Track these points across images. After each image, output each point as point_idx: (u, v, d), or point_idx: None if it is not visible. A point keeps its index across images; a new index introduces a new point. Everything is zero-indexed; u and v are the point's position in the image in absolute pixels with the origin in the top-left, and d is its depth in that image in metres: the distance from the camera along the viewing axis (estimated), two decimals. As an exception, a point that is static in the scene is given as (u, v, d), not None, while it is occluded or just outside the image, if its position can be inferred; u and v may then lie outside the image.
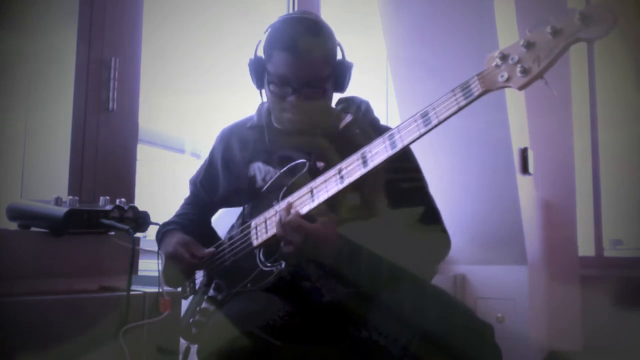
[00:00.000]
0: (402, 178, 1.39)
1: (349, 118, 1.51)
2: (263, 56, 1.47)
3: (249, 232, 1.41)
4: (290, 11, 2.68)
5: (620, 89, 4.20)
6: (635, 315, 3.60)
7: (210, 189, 1.63)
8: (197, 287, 1.51)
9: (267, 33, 1.47)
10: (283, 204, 1.33)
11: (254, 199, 1.47)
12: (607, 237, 4.08)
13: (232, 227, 1.53)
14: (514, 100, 2.97)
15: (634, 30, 3.96)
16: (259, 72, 1.47)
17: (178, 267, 1.46)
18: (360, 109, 1.52)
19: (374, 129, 1.47)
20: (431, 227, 1.43)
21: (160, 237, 1.55)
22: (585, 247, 3.91)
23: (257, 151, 1.52)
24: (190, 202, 1.68)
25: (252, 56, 1.49)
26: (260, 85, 1.50)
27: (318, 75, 1.41)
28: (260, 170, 1.50)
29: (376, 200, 1.34)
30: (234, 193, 1.53)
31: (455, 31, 2.83)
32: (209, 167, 1.65)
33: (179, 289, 1.54)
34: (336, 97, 1.60)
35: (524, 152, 3.08)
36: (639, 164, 4.11)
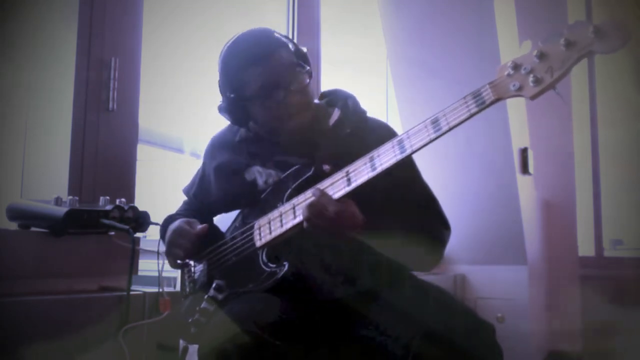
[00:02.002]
0: (394, 165, 1.37)
1: (337, 113, 1.50)
2: (231, 94, 1.46)
3: (252, 233, 1.41)
4: (289, 11, 2.69)
5: (621, 88, 4.20)
6: (636, 315, 3.60)
7: (203, 201, 1.61)
8: (196, 286, 1.51)
9: (221, 71, 1.47)
10: (301, 198, 1.32)
11: (255, 202, 1.46)
12: (607, 237, 4.08)
13: (228, 229, 1.52)
14: (514, 101, 2.97)
15: (634, 31, 3.96)
16: (239, 107, 1.46)
17: (181, 241, 1.44)
18: (347, 105, 1.51)
19: (364, 125, 1.47)
20: (428, 211, 1.44)
21: (164, 223, 1.55)
22: (585, 247, 3.91)
23: (253, 156, 1.51)
24: (187, 209, 1.67)
25: (220, 102, 1.48)
26: (245, 120, 1.49)
27: (292, 66, 1.42)
28: (260, 174, 1.49)
29: (374, 194, 1.34)
30: (233, 199, 1.52)
31: (455, 31, 2.83)
32: (201, 180, 1.63)
33: (180, 285, 1.54)
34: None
35: (524, 152, 3.08)
36: (639, 164, 4.11)
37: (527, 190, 3.16)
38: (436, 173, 3.10)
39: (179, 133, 2.31)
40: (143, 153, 1.97)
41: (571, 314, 3.51)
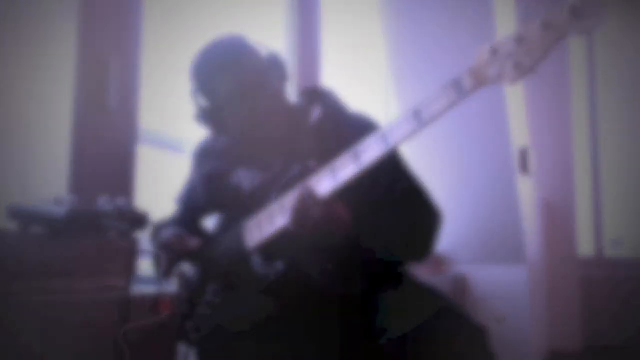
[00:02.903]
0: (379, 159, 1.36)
1: (317, 111, 1.49)
2: (204, 103, 1.46)
3: (243, 235, 1.40)
4: (287, 9, 2.69)
5: (621, 88, 4.20)
6: (636, 315, 3.60)
7: (193, 209, 1.61)
8: (192, 291, 1.50)
9: (192, 81, 1.46)
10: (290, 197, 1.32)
11: (243, 205, 1.46)
12: (607, 237, 4.08)
13: (216, 232, 1.52)
14: (514, 100, 2.97)
15: (635, 28, 3.96)
16: (213, 116, 1.46)
17: (168, 254, 1.44)
18: (327, 102, 1.50)
19: (346, 120, 1.47)
20: (414, 201, 1.43)
21: (154, 231, 1.56)
22: (585, 247, 3.91)
23: (237, 160, 1.51)
24: (178, 216, 1.67)
25: (195, 111, 1.47)
26: (221, 128, 1.48)
27: (261, 72, 1.42)
28: (245, 177, 1.49)
29: (360, 188, 1.33)
30: (221, 204, 1.52)
31: (455, 27, 2.83)
32: (189, 189, 1.63)
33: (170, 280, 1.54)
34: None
35: (524, 152, 3.08)
36: None
37: (527, 190, 3.16)
38: (436, 174, 3.10)
39: (178, 133, 2.31)
40: (143, 153, 1.97)
41: (571, 314, 3.51)
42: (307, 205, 1.25)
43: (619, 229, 4.14)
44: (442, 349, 1.15)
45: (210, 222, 1.58)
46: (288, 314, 1.29)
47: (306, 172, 1.33)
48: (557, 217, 3.58)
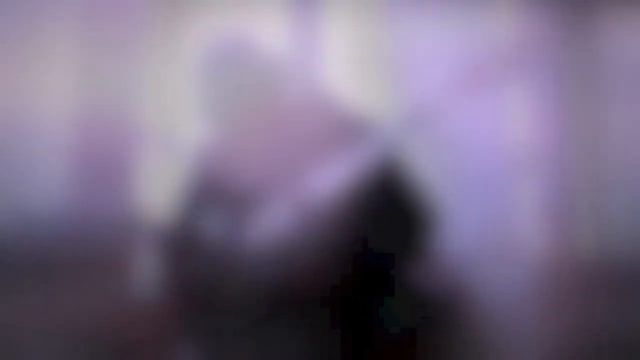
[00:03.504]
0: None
1: (317, 112, 1.50)
2: (201, 100, 1.48)
3: (242, 236, 1.41)
4: (288, 4, 2.68)
5: (623, 87, 4.19)
6: (636, 316, 3.60)
7: (192, 209, 1.62)
8: (193, 291, 1.50)
9: (193, 80, 1.48)
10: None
11: (242, 206, 1.46)
12: (606, 238, 4.08)
13: (215, 235, 1.53)
14: (514, 99, 2.97)
15: (637, 27, 3.96)
16: (215, 114, 1.48)
17: (169, 254, 1.45)
18: (327, 102, 1.51)
19: (346, 120, 1.47)
20: (410, 200, 1.43)
21: (156, 232, 1.56)
22: (585, 247, 3.91)
23: (236, 162, 1.51)
24: (177, 218, 1.68)
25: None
26: (224, 128, 1.50)
27: (255, 69, 1.45)
28: (244, 178, 1.50)
29: (358, 188, 1.34)
30: (219, 205, 1.52)
31: (456, 25, 2.83)
32: (189, 190, 1.64)
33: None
34: None
35: (523, 152, 3.08)
36: None
37: (527, 190, 3.16)
38: (435, 174, 3.09)
39: (178, 132, 2.30)
40: (143, 152, 1.96)
41: (571, 314, 3.51)
42: (305, 206, 1.25)
43: (619, 229, 4.14)
44: (439, 350, 1.16)
45: (210, 223, 1.58)
46: (287, 314, 1.29)
47: (304, 173, 1.34)
48: (557, 217, 3.58)
